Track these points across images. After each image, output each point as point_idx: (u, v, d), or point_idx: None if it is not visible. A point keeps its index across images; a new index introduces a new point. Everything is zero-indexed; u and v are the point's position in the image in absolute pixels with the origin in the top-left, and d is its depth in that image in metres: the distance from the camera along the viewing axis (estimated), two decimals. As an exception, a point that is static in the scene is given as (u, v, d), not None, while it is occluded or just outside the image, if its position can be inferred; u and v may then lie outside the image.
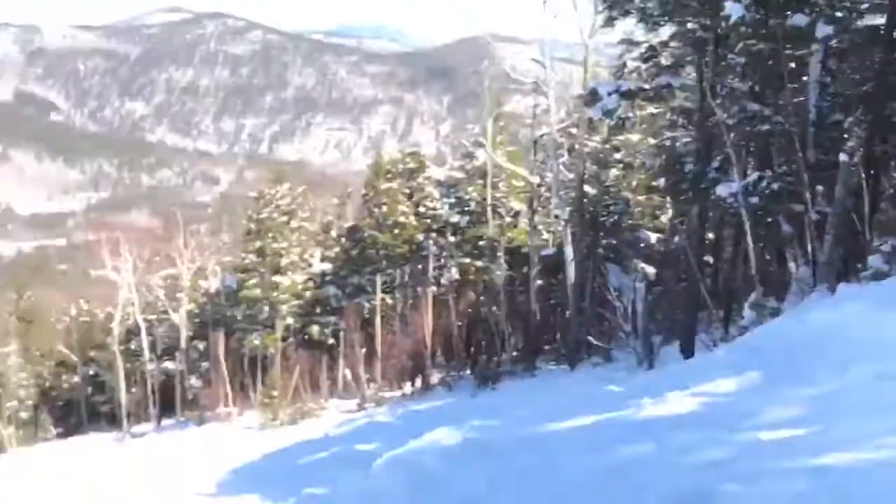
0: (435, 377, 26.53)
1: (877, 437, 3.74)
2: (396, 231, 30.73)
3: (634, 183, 25.74)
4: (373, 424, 18.19)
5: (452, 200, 30.69)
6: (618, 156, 25.87)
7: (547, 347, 26.90)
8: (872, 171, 12.45)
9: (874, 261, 10.41)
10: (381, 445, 9.91)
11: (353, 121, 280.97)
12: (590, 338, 20.69)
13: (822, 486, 3.32)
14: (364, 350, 28.96)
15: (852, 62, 13.25)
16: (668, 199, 22.70)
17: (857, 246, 11.47)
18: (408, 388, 27.16)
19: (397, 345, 28.13)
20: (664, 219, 25.36)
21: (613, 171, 25.78)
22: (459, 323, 27.63)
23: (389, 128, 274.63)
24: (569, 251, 22.89)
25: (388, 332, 29.31)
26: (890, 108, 12.20)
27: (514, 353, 25.91)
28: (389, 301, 31.67)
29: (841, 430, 4.03)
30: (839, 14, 12.84)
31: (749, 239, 13.19)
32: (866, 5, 12.82)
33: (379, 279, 30.70)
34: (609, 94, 16.74)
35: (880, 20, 12.44)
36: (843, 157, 11.13)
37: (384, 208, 30.96)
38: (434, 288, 29.39)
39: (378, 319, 29.93)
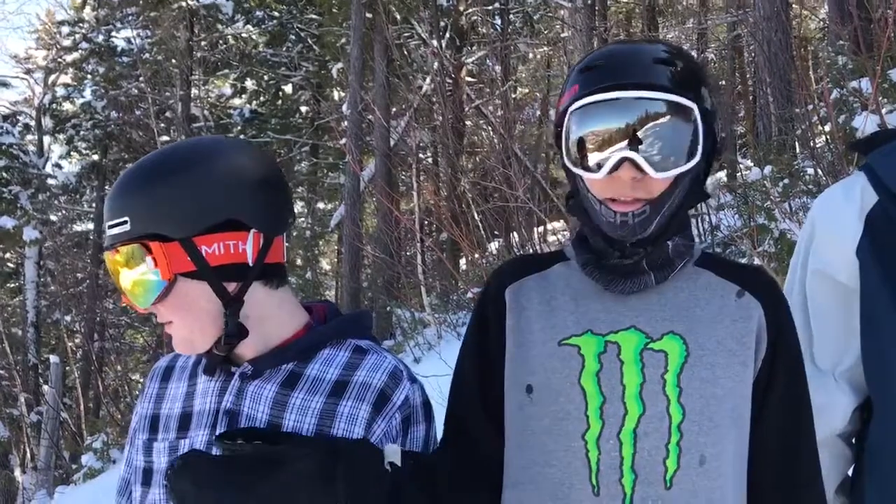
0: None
1: None
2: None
3: None
4: None
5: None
6: None
7: None
8: (94, 367, 13.00)
9: (87, 459, 10.66)
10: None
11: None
12: None
13: None
14: None
15: (65, 265, 13.84)
16: None
17: (77, 446, 11.61)
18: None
19: None
20: None
21: None
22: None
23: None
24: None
25: None
26: (100, 307, 13.01)
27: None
28: None
29: None
30: (53, 218, 13.41)
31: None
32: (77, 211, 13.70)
33: None
34: None
35: (88, 226, 13.40)
36: (53, 358, 11.31)
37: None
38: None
39: None
